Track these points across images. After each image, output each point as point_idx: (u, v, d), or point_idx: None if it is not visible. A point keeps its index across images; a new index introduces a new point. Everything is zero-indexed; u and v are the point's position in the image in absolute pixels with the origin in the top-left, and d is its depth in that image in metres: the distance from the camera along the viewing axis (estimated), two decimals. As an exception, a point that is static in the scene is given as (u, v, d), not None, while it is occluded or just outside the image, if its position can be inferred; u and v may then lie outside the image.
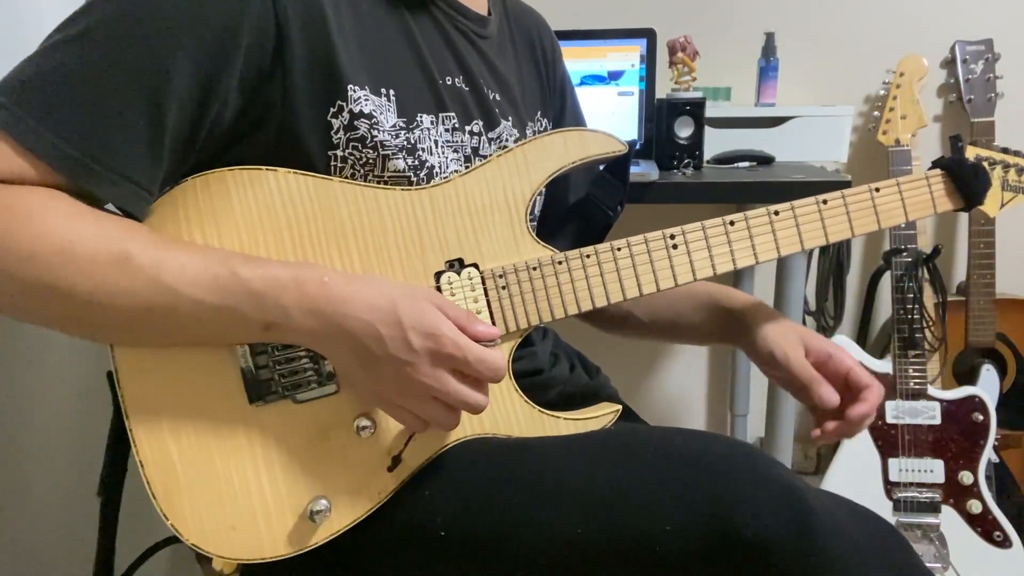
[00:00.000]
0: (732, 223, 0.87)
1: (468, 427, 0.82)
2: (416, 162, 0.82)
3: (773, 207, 0.88)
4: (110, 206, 0.71)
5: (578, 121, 1.16)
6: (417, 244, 0.81)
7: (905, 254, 1.74)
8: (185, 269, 0.68)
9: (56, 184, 0.67)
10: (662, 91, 1.62)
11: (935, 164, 0.94)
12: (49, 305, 0.67)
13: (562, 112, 1.13)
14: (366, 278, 0.75)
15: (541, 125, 1.05)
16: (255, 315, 0.70)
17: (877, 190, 0.90)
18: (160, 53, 0.68)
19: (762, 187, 1.43)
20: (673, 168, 1.57)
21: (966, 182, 0.92)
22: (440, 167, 0.85)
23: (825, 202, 0.89)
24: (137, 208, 0.71)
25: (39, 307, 0.67)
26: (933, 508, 1.73)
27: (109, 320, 0.68)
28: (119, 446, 0.83)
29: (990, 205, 0.96)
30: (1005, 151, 0.97)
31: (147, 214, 0.73)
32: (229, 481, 0.74)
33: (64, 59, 0.67)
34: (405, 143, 0.82)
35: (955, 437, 1.74)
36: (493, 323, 0.83)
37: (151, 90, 0.68)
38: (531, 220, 0.89)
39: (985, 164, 0.95)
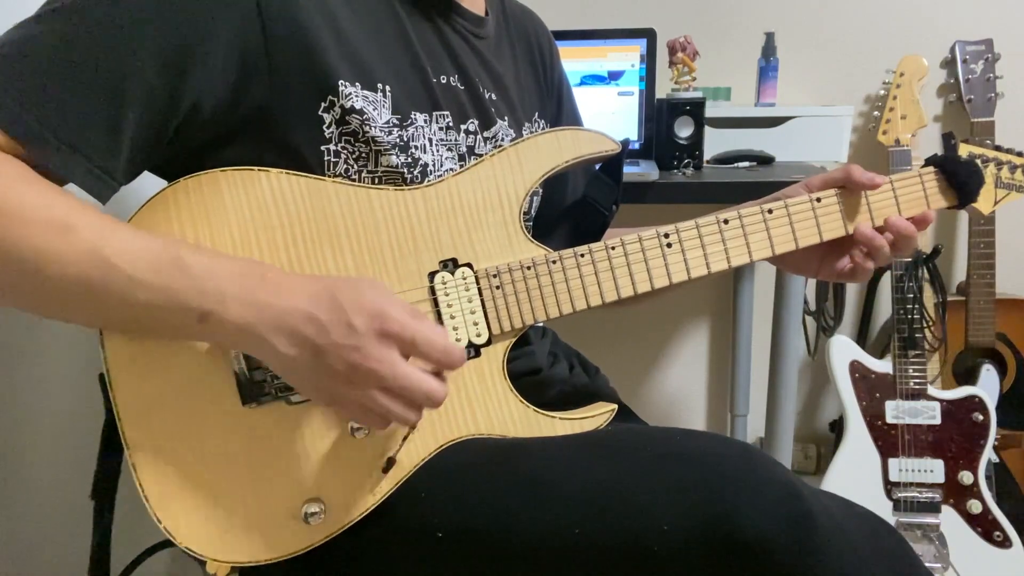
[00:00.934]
0: (726, 221, 0.87)
1: (463, 427, 0.82)
2: (409, 159, 0.82)
3: (767, 205, 0.88)
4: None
5: (575, 122, 1.16)
6: (411, 244, 0.80)
7: (905, 254, 1.74)
8: (127, 245, 0.67)
9: (13, 152, 0.67)
10: (662, 91, 1.62)
11: (928, 161, 0.94)
12: None
13: (559, 113, 1.13)
14: (310, 275, 0.74)
15: (538, 126, 1.05)
16: (191, 301, 0.67)
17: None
18: (130, 38, 0.68)
19: (762, 187, 1.42)
20: (673, 168, 1.56)
21: (959, 179, 0.93)
22: (434, 165, 0.85)
23: (819, 200, 0.90)
24: (92, 187, 0.70)
25: None
26: (933, 508, 1.73)
27: (41, 289, 0.66)
28: (112, 449, 0.82)
29: (983, 202, 0.96)
30: (998, 148, 0.98)
31: (107, 199, 0.72)
32: (223, 484, 0.74)
33: (36, 33, 0.67)
34: (398, 140, 0.81)
35: (955, 437, 1.73)
36: (488, 323, 0.83)
37: (116, 72, 0.68)
38: (526, 220, 0.89)
39: (978, 161, 0.95)
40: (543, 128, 1.06)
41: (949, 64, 1.83)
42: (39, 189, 0.66)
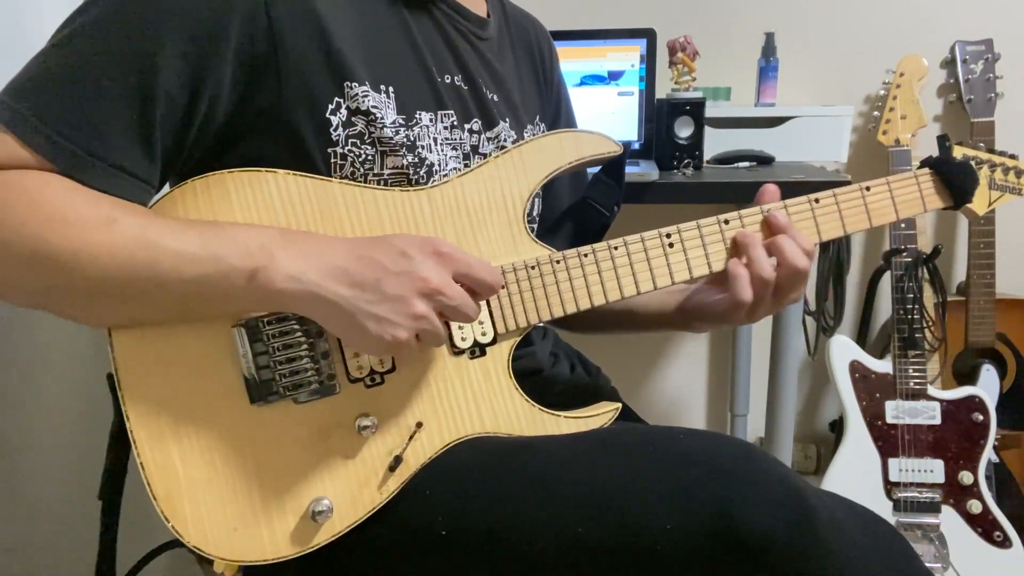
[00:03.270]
0: (727, 222, 0.88)
1: (469, 426, 0.82)
2: (416, 159, 0.83)
3: (766, 206, 0.89)
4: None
5: (571, 125, 1.16)
6: (416, 245, 0.80)
7: (905, 254, 1.74)
8: (171, 226, 0.70)
9: (58, 175, 0.68)
10: (662, 91, 1.63)
11: (924, 163, 0.95)
12: (38, 273, 0.67)
13: (556, 116, 1.14)
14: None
15: (539, 128, 1.05)
16: (240, 262, 0.69)
17: (868, 189, 0.92)
18: (149, 47, 0.69)
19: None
20: (673, 168, 1.57)
21: (954, 181, 0.94)
22: (439, 164, 0.85)
23: (817, 201, 0.90)
24: (136, 199, 0.72)
25: (26, 277, 0.67)
26: (933, 508, 1.73)
27: (94, 285, 0.68)
28: (119, 448, 0.83)
29: (978, 204, 0.98)
30: (991, 151, 1.00)
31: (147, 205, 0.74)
32: (230, 482, 0.74)
33: (61, 57, 0.69)
34: (405, 140, 0.82)
35: (955, 437, 1.74)
36: (493, 322, 0.83)
37: (140, 82, 0.69)
38: (529, 221, 0.89)
39: (972, 163, 0.96)
40: (543, 131, 1.07)
41: (949, 64, 1.83)
42: (81, 195, 0.68)
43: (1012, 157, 0.99)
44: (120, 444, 0.82)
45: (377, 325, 0.71)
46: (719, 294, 0.92)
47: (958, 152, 0.97)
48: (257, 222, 0.75)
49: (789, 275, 0.86)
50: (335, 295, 0.70)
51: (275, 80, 0.75)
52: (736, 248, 0.87)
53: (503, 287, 0.83)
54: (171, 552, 0.93)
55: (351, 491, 0.77)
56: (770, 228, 0.88)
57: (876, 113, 1.79)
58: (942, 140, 0.98)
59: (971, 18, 1.85)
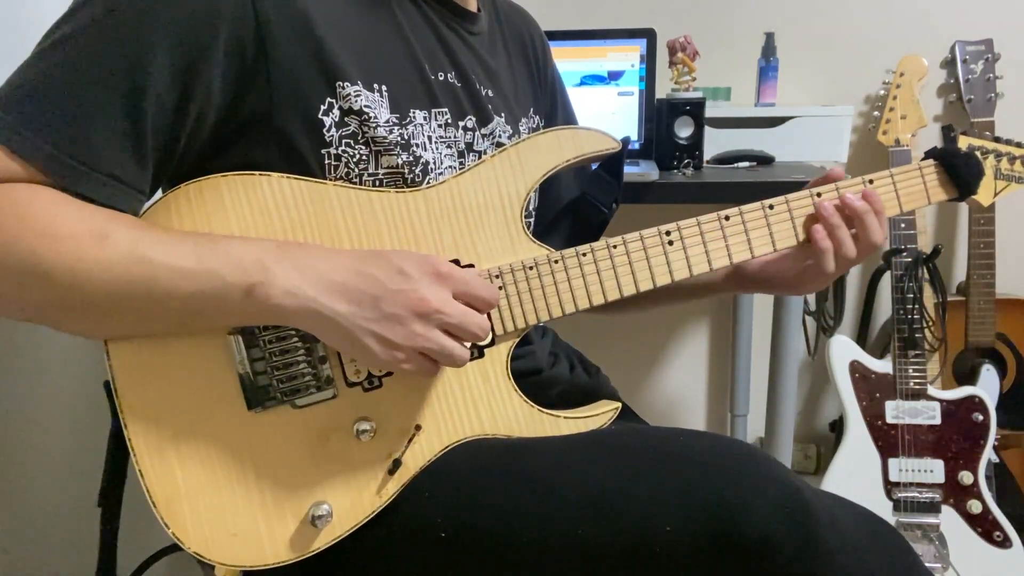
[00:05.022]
0: (727, 218, 0.88)
1: (468, 428, 0.82)
2: (411, 158, 0.82)
3: (768, 201, 0.89)
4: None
5: (570, 120, 1.16)
6: (413, 246, 0.80)
7: (905, 254, 1.74)
8: (164, 240, 0.69)
9: (53, 186, 0.68)
10: (662, 91, 1.62)
11: (928, 154, 0.94)
12: (31, 289, 0.66)
13: (553, 110, 1.13)
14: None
15: (533, 122, 1.05)
16: (235, 278, 0.69)
17: (871, 182, 0.91)
18: (136, 51, 0.68)
19: (762, 187, 1.43)
20: (673, 168, 1.56)
21: (959, 171, 0.93)
22: (434, 162, 0.85)
23: (819, 195, 0.90)
24: (129, 207, 0.71)
25: (22, 294, 0.67)
26: (933, 508, 1.73)
27: (89, 300, 0.67)
28: (118, 455, 0.82)
29: (983, 194, 0.96)
30: (997, 140, 0.98)
31: (140, 214, 0.73)
32: (230, 488, 0.74)
33: (49, 65, 0.68)
34: (399, 139, 0.82)
35: (955, 437, 1.74)
36: (491, 323, 0.83)
37: (130, 89, 0.68)
38: (527, 217, 0.89)
39: (977, 153, 0.95)
40: (538, 125, 1.07)
41: (949, 64, 1.83)
42: (73, 206, 0.67)
43: (1019, 146, 0.98)
44: (118, 450, 0.82)
45: (377, 343, 0.72)
46: (787, 265, 0.95)
47: (963, 142, 0.96)
48: (252, 226, 0.75)
49: (866, 248, 0.90)
50: (333, 312, 0.71)
51: (265, 82, 0.74)
52: (815, 225, 0.89)
53: (500, 288, 0.83)
54: (172, 556, 0.93)
55: (350, 495, 0.77)
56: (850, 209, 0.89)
57: (876, 113, 1.79)
58: (947, 130, 0.97)
59: (971, 18, 1.84)
